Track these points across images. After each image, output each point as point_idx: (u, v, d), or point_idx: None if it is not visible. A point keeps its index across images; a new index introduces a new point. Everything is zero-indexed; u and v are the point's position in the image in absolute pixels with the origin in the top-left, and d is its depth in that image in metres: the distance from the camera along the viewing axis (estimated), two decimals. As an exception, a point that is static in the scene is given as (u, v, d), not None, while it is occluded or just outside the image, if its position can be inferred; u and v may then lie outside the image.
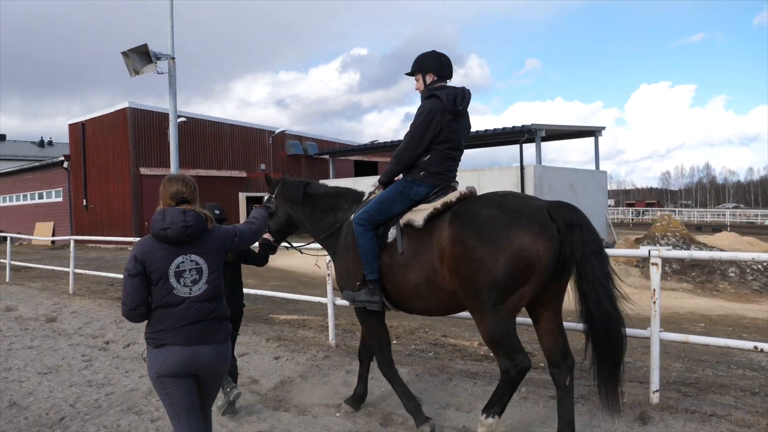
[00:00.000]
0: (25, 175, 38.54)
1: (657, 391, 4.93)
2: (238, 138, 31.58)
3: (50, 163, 35.34)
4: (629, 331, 4.15)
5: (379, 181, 4.74)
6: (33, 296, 12.66)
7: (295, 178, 5.59)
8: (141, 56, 9.85)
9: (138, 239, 3.44)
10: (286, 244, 5.73)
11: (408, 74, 4.69)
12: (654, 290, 4.88)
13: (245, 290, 5.70)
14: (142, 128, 27.74)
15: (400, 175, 4.61)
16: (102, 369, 6.83)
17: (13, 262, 15.87)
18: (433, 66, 4.51)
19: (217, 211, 5.04)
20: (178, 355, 3.12)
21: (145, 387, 6.08)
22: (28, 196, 37.79)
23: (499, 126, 20.39)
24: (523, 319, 4.53)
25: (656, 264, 4.87)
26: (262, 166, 32.49)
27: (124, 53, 9.89)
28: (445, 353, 7.54)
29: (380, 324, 4.81)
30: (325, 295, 7.99)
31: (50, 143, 63.96)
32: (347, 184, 23.34)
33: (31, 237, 25.54)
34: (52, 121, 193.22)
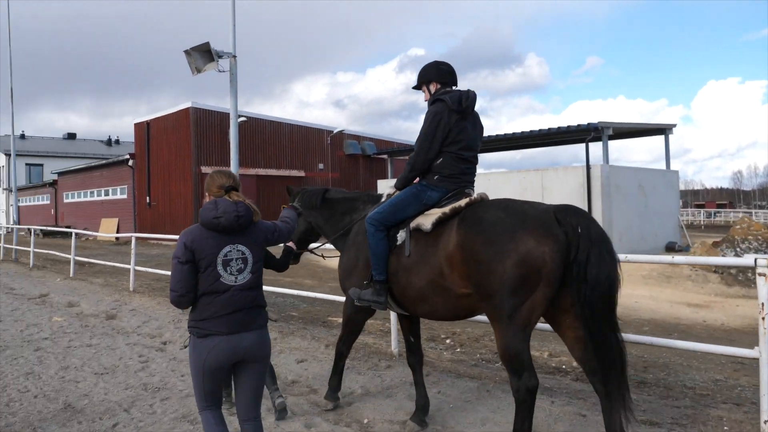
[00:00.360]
0: (93, 172, 39.72)
1: (768, 421, 4.36)
2: (297, 138, 31.65)
3: (116, 161, 36.28)
4: (732, 349, 4.12)
5: (395, 186, 4.78)
6: (95, 292, 12.80)
7: (313, 187, 5.73)
8: (203, 54, 9.75)
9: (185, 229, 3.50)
10: (311, 246, 5.84)
11: (415, 88, 4.83)
12: (762, 304, 4.29)
13: (305, 292, 5.64)
14: (204, 127, 28.09)
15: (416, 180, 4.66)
16: (158, 371, 6.70)
17: (77, 258, 16.18)
18: (434, 75, 4.64)
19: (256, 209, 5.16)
20: (223, 345, 3.25)
21: (201, 393, 5.88)
22: (95, 192, 38.94)
23: (560, 125, 19.75)
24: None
25: (764, 274, 4.30)
26: (321, 166, 32.49)
27: (186, 52, 9.81)
28: (513, 364, 7.10)
29: (363, 321, 5.10)
30: (386, 300, 7.65)
31: (117, 142, 65.94)
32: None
33: (95, 233, 26.21)
34: (120, 121, 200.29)
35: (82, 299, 11.86)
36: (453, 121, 4.38)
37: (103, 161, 39.14)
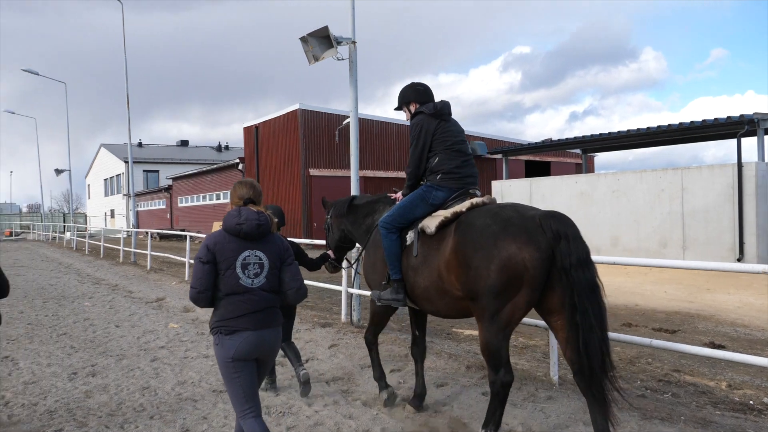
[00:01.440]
0: (204, 177, 40.75)
1: None
2: (405, 138, 30.81)
3: (226, 165, 36.95)
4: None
5: (402, 194, 5.15)
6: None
7: (344, 198, 5.98)
8: (321, 41, 9.01)
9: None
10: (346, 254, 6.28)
11: (396, 109, 5.29)
12: None
13: None
14: (312, 129, 27.84)
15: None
16: (282, 389, 5.96)
17: (192, 261, 16.01)
18: (412, 96, 5.10)
19: (276, 220, 5.10)
20: (251, 339, 3.49)
21: (331, 422, 5.04)
22: (207, 197, 39.93)
23: (681, 120, 17.60)
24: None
25: None
26: (428, 167, 31.54)
27: (302, 38, 9.12)
28: (687, 396, 5.78)
29: (386, 317, 5.40)
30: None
31: (227, 148, 68.02)
32: (522, 185, 21.92)
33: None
34: (228, 129, 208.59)
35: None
36: (434, 125, 4.82)
37: (214, 166, 40.03)
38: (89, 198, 72.86)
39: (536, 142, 24.65)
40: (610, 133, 20.59)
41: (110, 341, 8.35)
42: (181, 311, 10.75)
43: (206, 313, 10.40)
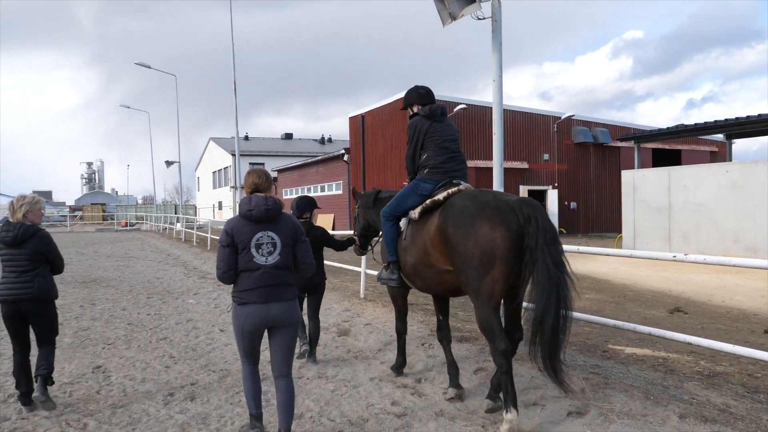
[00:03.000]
0: (309, 168, 40.31)
1: None
2: (520, 125, 28.78)
3: (331, 156, 36.23)
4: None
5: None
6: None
7: (370, 191, 6.63)
8: (459, -4, 7.41)
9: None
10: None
11: (402, 109, 5.86)
12: None
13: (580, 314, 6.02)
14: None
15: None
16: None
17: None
18: (414, 98, 5.64)
19: (308, 215, 6.72)
20: (257, 312, 4.02)
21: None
22: (311, 189, 39.43)
23: None
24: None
25: None
26: (546, 156, 29.30)
27: (436, -5, 7.55)
28: None
29: (402, 298, 6.01)
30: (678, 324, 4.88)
31: (329, 140, 68.02)
32: (659, 176, 19.45)
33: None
34: (329, 122, 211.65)
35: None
36: (426, 126, 5.39)
37: (319, 157, 39.45)
38: (199, 190, 75.13)
39: (670, 127, 21.94)
40: (759, 115, 17.80)
41: (213, 350, 7.19)
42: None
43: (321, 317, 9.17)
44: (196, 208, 65.86)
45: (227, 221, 4.15)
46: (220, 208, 61.05)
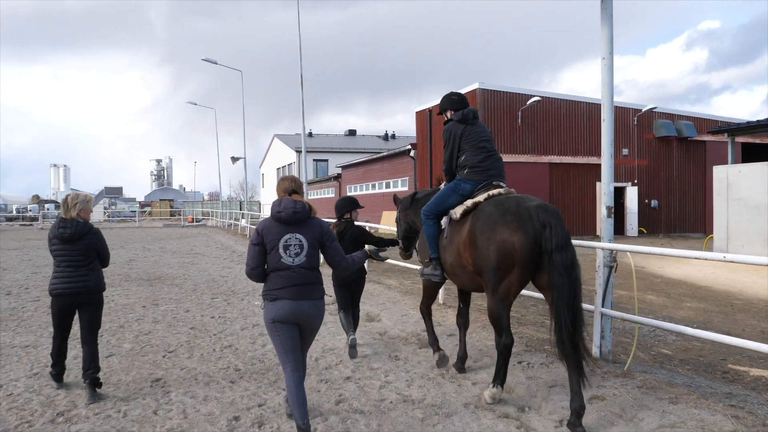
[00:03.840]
0: (374, 165, 39.62)
1: None
2: (597, 119, 27.17)
3: (397, 152, 35.40)
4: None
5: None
6: (395, 301, 10.33)
7: (414, 191, 7.36)
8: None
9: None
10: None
11: (438, 114, 6.12)
12: None
13: (675, 326, 6.05)
14: (492, 111, 25.21)
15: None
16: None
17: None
18: (448, 105, 5.91)
19: (348, 215, 7.06)
20: (288, 306, 4.19)
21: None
22: (376, 185, 38.67)
23: None
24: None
25: None
26: (625, 151, 27.61)
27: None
28: None
29: (434, 289, 6.35)
30: None
31: (393, 136, 67.29)
32: (760, 171, 17.76)
33: (378, 225, 24.89)
34: (392, 119, 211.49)
35: (383, 311, 9.40)
36: (461, 129, 5.68)
37: (384, 153, 38.69)
38: (263, 186, 75.78)
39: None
40: None
41: (283, 363, 6.44)
42: (364, 320, 8.73)
43: (394, 325, 8.34)
44: (260, 204, 66.25)
45: (260, 221, 4.46)
46: (284, 204, 61.17)
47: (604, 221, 6.54)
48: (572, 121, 26.73)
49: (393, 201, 7.21)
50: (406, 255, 7.07)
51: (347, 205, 7.05)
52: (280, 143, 64.38)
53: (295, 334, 4.28)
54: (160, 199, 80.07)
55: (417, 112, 30.70)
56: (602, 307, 6.28)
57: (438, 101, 26.83)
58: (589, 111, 27.01)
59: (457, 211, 5.45)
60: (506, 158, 25.15)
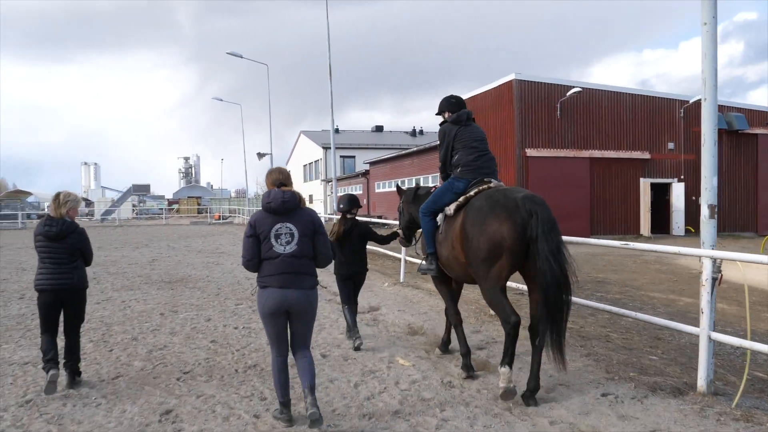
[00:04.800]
0: (403, 161, 38.57)
1: None
2: (641, 111, 25.70)
3: (426, 147, 34.29)
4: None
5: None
6: (437, 309, 9.20)
7: (413, 186, 7.37)
8: None
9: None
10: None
11: (437, 114, 6.30)
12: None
13: None
14: (529, 103, 23.90)
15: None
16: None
17: (408, 258, 13.06)
18: (446, 107, 6.18)
19: (342, 205, 7.26)
20: (275, 295, 4.36)
21: None
22: (405, 181, 37.57)
23: None
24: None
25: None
26: (671, 146, 26.10)
27: None
28: None
29: (444, 285, 6.37)
30: None
31: (421, 132, 66.14)
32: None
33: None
34: (418, 116, 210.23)
35: (426, 322, 8.32)
36: (455, 131, 5.95)
37: (414, 149, 37.55)
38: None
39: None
40: None
41: (317, 390, 5.42)
42: (406, 333, 7.70)
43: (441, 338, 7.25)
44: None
45: (252, 214, 4.68)
46: (311, 201, 60.38)
47: (705, 223, 5.37)
48: (614, 113, 25.30)
49: (396, 191, 7.53)
50: (406, 243, 7.47)
51: (353, 203, 7.26)
52: (306, 139, 63.59)
53: (282, 322, 4.45)
54: (188, 197, 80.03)
55: (449, 106, 29.52)
56: (711, 329, 5.10)
57: (473, 93, 25.55)
58: (632, 103, 25.56)
59: (450, 208, 5.73)
60: (544, 153, 23.91)
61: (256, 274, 4.53)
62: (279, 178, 4.55)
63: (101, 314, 9.04)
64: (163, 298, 10.40)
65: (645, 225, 25.71)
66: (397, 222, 7.81)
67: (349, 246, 7.09)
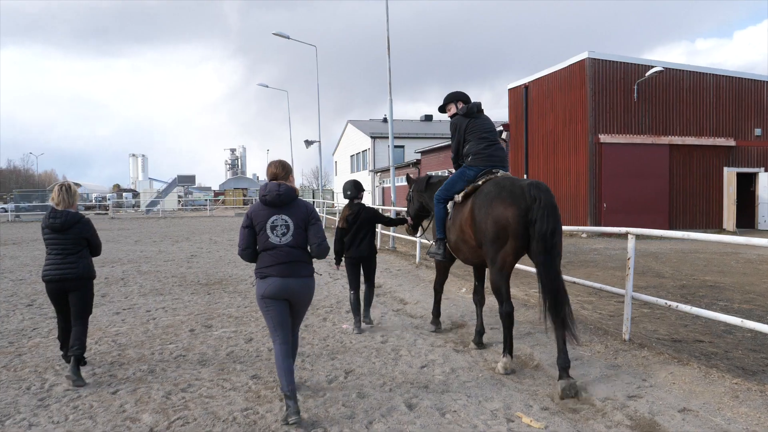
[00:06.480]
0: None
1: None
2: (726, 94, 23.11)
3: (483, 135, 32.14)
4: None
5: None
6: (534, 324, 7.35)
7: (427, 175, 7.61)
8: None
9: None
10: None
11: (441, 107, 6.70)
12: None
13: None
14: (603, 85, 21.61)
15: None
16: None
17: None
18: (456, 97, 6.52)
19: (349, 192, 7.43)
20: (276, 283, 4.43)
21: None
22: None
23: None
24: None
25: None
26: (758, 132, 23.43)
27: None
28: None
29: (445, 268, 7.15)
30: None
31: (471, 121, 63.72)
32: None
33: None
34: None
35: (537, 347, 6.44)
36: (466, 122, 6.26)
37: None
38: (336, 174, 73.76)
39: None
40: None
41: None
42: (459, 343, 5.81)
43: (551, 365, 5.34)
44: (333, 192, 64.15)
45: (250, 206, 5.21)
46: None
47: None
48: (696, 96, 22.78)
49: (406, 180, 7.84)
50: (412, 232, 7.94)
51: (358, 189, 7.49)
52: (354, 129, 61.94)
53: (284, 309, 4.52)
54: (234, 188, 79.46)
55: (510, 90, 27.31)
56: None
57: (539, 75, 23.28)
58: (717, 84, 22.98)
59: (459, 195, 6.08)
60: (619, 139, 21.66)
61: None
62: (275, 173, 4.67)
63: (117, 330, 7.39)
64: (197, 307, 8.77)
65: (729, 218, 23.17)
66: None
67: (356, 231, 7.28)
